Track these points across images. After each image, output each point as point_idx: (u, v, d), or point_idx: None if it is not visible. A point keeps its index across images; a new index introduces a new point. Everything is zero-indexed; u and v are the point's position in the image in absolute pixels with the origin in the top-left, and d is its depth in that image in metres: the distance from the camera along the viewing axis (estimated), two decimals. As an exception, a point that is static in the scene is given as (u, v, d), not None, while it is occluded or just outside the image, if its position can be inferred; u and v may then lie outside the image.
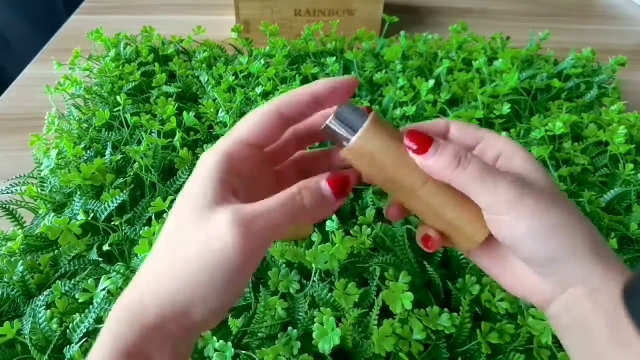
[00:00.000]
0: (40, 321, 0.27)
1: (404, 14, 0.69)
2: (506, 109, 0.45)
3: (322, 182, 0.17)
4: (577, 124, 0.45)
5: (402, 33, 0.56)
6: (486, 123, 0.46)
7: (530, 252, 0.17)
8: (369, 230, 0.32)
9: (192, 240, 0.15)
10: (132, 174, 0.37)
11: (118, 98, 0.43)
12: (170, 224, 0.16)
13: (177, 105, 0.43)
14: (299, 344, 0.27)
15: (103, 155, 0.39)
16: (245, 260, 0.15)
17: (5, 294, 0.30)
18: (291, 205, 0.16)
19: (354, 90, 0.18)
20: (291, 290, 0.30)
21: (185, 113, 0.42)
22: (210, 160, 0.16)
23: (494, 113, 0.46)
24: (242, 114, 0.45)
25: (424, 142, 0.17)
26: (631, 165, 0.39)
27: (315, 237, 0.31)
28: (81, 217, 0.33)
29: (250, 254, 0.15)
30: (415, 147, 0.17)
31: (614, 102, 0.49)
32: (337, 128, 0.18)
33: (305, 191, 0.16)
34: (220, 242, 0.15)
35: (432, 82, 0.47)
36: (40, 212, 0.35)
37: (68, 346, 0.27)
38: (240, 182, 0.17)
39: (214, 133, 0.43)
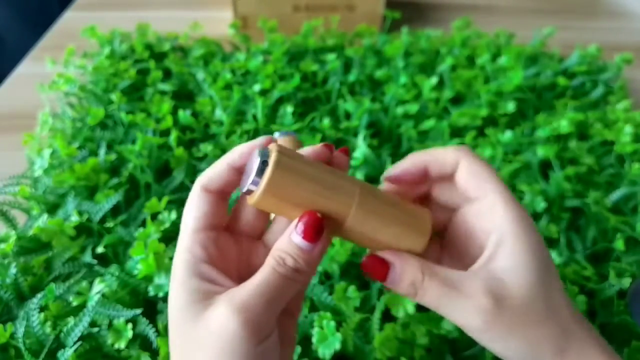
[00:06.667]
0: (34, 324, 0.27)
1: (406, 10, 0.68)
2: (511, 106, 0.44)
3: (292, 236, 0.16)
4: (583, 123, 0.45)
5: (404, 29, 0.55)
6: (490, 121, 0.45)
7: None
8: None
9: (198, 344, 0.15)
10: (126, 174, 0.36)
11: (112, 96, 0.42)
12: (171, 335, 0.16)
13: (172, 103, 0.42)
14: (298, 348, 0.26)
15: (97, 155, 0.38)
16: (259, 342, 0.15)
17: (-3, 297, 0.29)
18: (275, 275, 0.15)
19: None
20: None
21: (180, 111, 0.42)
22: (177, 264, 0.16)
23: (498, 111, 0.45)
24: (239, 112, 0.44)
25: (381, 271, 0.17)
26: (637, 165, 0.38)
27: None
28: (75, 218, 0.32)
29: (261, 335, 0.15)
30: (372, 274, 0.17)
31: (619, 100, 0.48)
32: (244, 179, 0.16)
33: (280, 253, 0.16)
34: (226, 332, 0.14)
35: (434, 80, 0.46)
36: (33, 213, 0.35)
37: (62, 350, 0.26)
38: (227, 262, 0.17)
39: (210, 132, 0.42)
